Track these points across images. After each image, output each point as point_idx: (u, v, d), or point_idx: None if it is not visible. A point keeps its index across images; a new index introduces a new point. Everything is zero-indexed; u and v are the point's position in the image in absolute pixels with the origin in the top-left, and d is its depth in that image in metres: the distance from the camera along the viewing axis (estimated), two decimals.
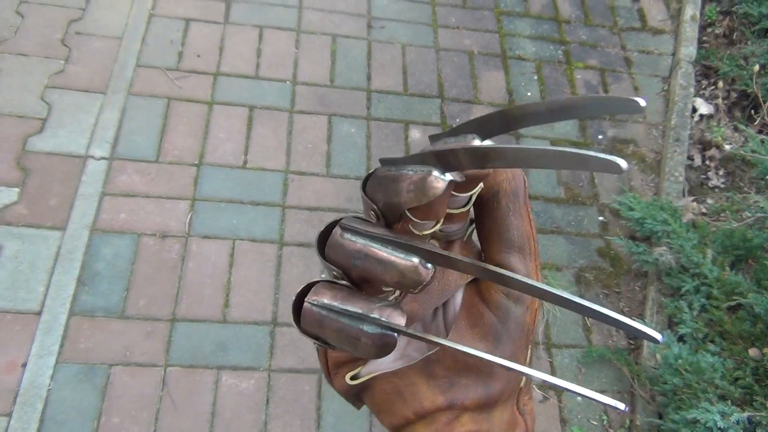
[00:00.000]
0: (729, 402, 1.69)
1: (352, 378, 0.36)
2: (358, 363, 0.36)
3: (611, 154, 0.22)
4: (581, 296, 2.12)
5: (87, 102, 2.19)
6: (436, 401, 0.33)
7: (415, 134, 2.36)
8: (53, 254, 1.90)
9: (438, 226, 0.32)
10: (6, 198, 1.96)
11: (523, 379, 0.35)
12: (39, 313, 1.80)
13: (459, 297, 0.37)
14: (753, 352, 1.82)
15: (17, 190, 1.98)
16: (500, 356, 0.31)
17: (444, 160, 0.29)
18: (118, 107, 2.20)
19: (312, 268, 2.01)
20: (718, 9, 2.85)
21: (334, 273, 0.32)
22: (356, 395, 0.37)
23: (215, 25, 2.47)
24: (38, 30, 2.32)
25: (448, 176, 0.28)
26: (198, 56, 2.38)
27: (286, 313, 1.93)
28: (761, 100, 2.49)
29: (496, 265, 0.32)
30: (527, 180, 0.34)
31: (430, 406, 0.33)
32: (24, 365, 1.73)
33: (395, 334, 0.30)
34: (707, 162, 2.51)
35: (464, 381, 0.33)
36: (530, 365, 0.34)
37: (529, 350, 0.35)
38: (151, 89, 2.26)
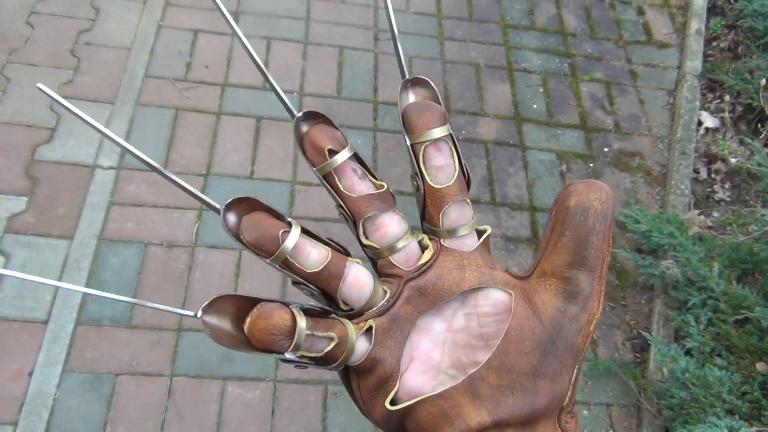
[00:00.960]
0: (737, 416, 1.68)
1: (392, 403, 0.35)
2: (389, 385, 0.35)
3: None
4: None
5: (96, 112, 2.20)
6: (483, 422, 0.33)
7: None
8: (61, 263, 1.91)
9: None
10: (14, 207, 1.97)
11: (567, 397, 0.34)
12: (46, 322, 1.81)
13: (495, 296, 0.36)
14: (760, 366, 1.81)
15: (25, 199, 1.99)
16: (544, 372, 0.33)
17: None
18: (126, 117, 2.22)
19: None
20: (723, 23, 2.87)
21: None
22: (399, 422, 0.35)
23: (223, 37, 2.49)
24: (48, 40, 2.34)
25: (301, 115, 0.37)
26: (206, 67, 2.40)
27: None
28: (767, 113, 2.49)
29: (561, 277, 0.34)
30: (616, 206, 0.35)
31: (476, 427, 0.33)
32: (30, 374, 1.73)
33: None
34: (713, 175, 2.52)
35: (510, 400, 0.33)
36: (573, 387, 0.34)
37: (575, 371, 0.34)
38: (160, 100, 2.28)
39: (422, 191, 0.37)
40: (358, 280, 0.36)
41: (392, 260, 0.37)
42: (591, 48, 2.79)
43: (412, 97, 0.38)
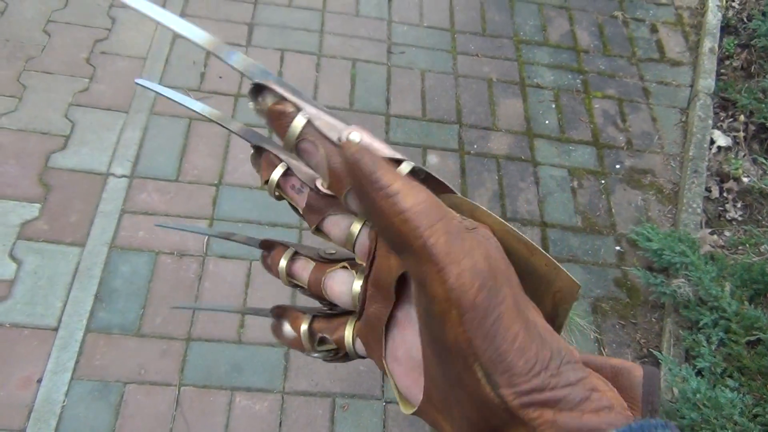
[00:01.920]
0: None
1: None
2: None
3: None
4: (598, 327, 2.11)
5: (110, 120, 2.22)
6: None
7: (433, 159, 2.37)
8: (72, 270, 1.91)
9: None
10: (27, 213, 1.98)
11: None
12: (56, 329, 1.81)
13: None
14: None
15: (38, 205, 2.00)
16: (451, 381, 0.26)
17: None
18: (140, 126, 2.23)
19: None
20: (736, 42, 2.86)
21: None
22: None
23: (238, 48, 2.50)
24: (64, 49, 2.36)
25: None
26: (220, 78, 2.41)
27: None
28: None
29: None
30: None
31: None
32: (39, 381, 1.73)
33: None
34: (725, 194, 2.50)
35: (456, 412, 0.27)
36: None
37: (480, 369, 0.24)
38: (173, 109, 2.29)
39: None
40: (332, 290, 0.37)
41: (357, 259, 0.35)
42: (604, 65, 2.79)
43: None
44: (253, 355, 1.87)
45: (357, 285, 0.35)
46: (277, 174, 0.36)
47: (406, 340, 0.31)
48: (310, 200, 0.36)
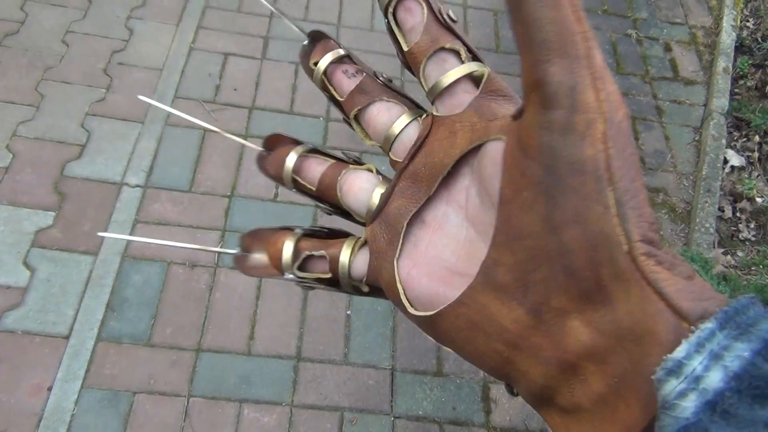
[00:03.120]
0: None
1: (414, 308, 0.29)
2: (399, 290, 0.29)
3: None
4: None
5: (125, 130, 2.24)
6: (518, 317, 0.25)
7: None
8: (84, 279, 1.92)
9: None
10: (42, 221, 1.99)
11: (620, 234, 0.22)
12: (67, 337, 1.82)
13: (493, 150, 0.27)
14: None
15: (53, 214, 2.02)
16: (561, 218, 0.23)
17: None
18: (155, 137, 2.25)
19: (338, 303, 2.01)
20: (750, 62, 2.86)
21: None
22: (435, 335, 0.29)
23: (253, 61, 2.53)
24: (82, 59, 2.39)
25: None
26: (235, 90, 2.43)
27: (311, 348, 1.92)
28: None
29: (533, 84, 0.23)
30: None
31: (514, 327, 0.25)
32: (50, 389, 1.74)
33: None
34: (738, 214, 2.49)
35: (538, 275, 0.24)
36: (625, 218, 0.22)
37: (611, 193, 0.23)
38: (188, 120, 2.30)
39: (408, 64, 0.33)
40: (351, 187, 0.33)
41: (392, 156, 0.32)
42: (617, 82, 2.76)
43: None
44: (262, 368, 1.87)
45: (379, 191, 0.32)
46: (329, 57, 0.34)
47: (435, 242, 0.29)
48: (364, 82, 0.34)
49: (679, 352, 0.20)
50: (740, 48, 2.94)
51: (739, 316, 0.20)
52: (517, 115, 0.26)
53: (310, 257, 0.33)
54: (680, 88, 2.83)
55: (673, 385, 0.20)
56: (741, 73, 2.85)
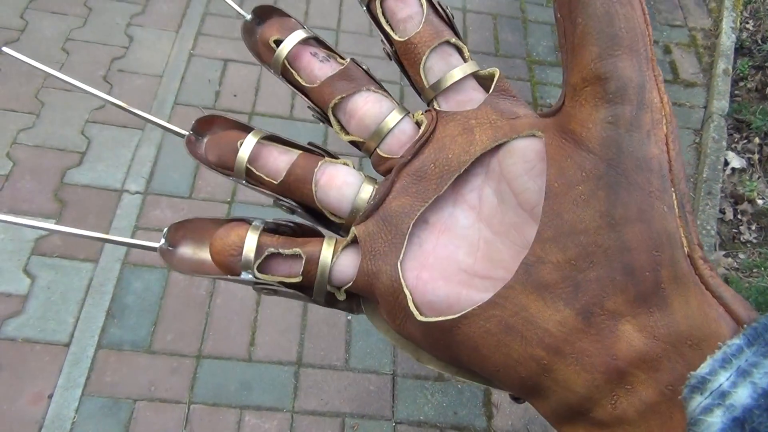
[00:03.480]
0: None
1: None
2: (400, 298, 0.27)
3: None
4: None
5: (125, 137, 2.24)
6: (565, 319, 0.23)
7: None
8: (85, 286, 1.92)
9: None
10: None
11: (681, 236, 0.22)
12: (68, 345, 1.82)
13: (522, 147, 0.27)
14: None
15: (54, 221, 2.02)
16: (623, 215, 0.22)
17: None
18: (155, 143, 2.25)
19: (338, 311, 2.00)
20: (750, 63, 2.86)
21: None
22: (444, 343, 0.26)
23: (252, 66, 2.53)
24: (82, 66, 2.40)
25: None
26: (234, 96, 2.44)
27: (311, 354, 1.92)
28: None
29: (594, 78, 0.23)
30: None
31: (558, 331, 0.23)
32: (50, 396, 1.74)
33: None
34: (739, 216, 2.49)
35: (592, 274, 0.22)
36: (687, 221, 0.22)
37: (675, 194, 0.22)
38: (188, 126, 2.30)
39: (397, 56, 0.30)
40: (333, 180, 0.29)
41: (380, 152, 0.29)
42: None
43: None
44: (262, 374, 1.87)
45: (367, 186, 0.29)
46: (296, 37, 0.30)
47: (444, 244, 0.27)
48: (350, 68, 0.30)
49: (703, 368, 0.20)
50: (740, 50, 2.94)
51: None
52: (554, 111, 0.26)
53: (273, 256, 0.29)
54: (680, 90, 2.82)
55: (698, 401, 0.20)
56: (741, 74, 2.84)
